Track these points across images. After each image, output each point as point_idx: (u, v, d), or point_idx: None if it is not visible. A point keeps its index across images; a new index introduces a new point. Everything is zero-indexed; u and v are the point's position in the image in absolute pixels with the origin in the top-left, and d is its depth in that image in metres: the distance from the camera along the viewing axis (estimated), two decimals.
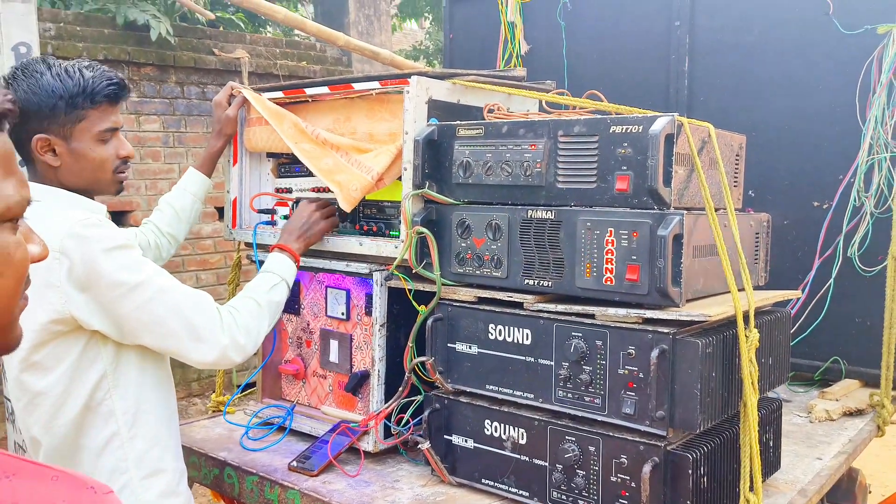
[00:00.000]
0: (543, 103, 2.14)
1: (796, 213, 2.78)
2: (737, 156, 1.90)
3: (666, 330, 1.51)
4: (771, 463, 1.89)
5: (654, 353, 1.49)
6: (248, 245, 2.30)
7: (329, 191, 2.05)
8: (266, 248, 2.10)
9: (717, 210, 1.69)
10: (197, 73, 5.80)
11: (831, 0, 2.65)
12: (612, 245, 1.57)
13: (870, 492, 2.96)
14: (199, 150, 5.81)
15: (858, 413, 2.52)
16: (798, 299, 2.62)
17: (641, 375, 1.53)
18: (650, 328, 1.53)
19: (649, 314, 1.54)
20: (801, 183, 2.77)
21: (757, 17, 2.86)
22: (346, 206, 1.95)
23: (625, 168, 1.56)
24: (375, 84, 1.99)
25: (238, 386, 2.40)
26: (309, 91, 2.16)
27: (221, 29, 6.28)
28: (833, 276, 2.59)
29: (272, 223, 2.35)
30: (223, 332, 1.60)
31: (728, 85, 2.94)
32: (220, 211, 5.76)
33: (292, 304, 2.27)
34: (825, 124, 2.72)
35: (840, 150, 2.65)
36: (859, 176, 2.57)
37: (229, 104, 2.25)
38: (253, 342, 1.67)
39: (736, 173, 1.90)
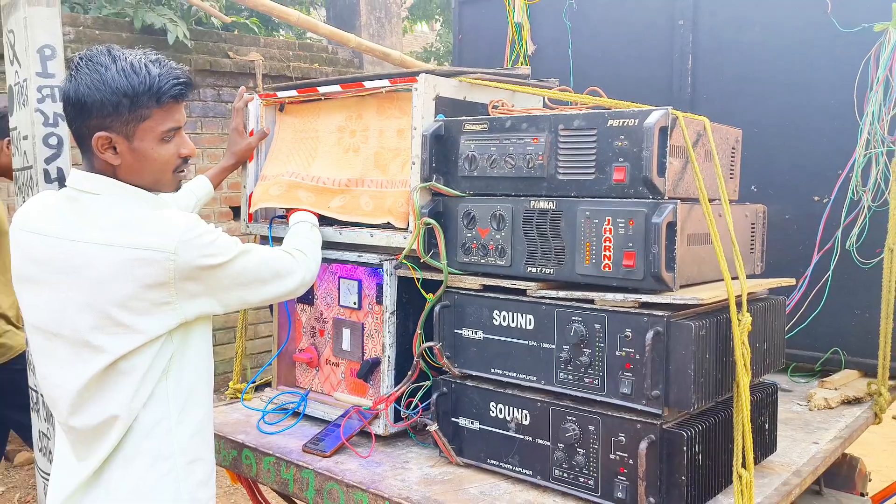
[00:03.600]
0: (546, 100, 2.22)
1: (797, 207, 2.85)
2: (733, 149, 1.97)
3: (661, 313, 1.59)
4: (767, 445, 1.96)
5: (650, 335, 1.57)
6: (264, 238, 2.40)
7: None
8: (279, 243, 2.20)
9: (711, 200, 1.77)
10: (212, 75, 5.93)
11: None
12: (610, 233, 1.65)
13: (870, 480, 3.01)
14: (215, 151, 5.93)
15: (857, 401, 2.58)
16: (798, 291, 2.69)
17: (638, 357, 1.61)
18: (646, 312, 1.60)
19: (645, 298, 1.62)
20: (802, 178, 2.84)
21: (758, 17, 2.93)
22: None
23: (622, 159, 1.64)
24: (385, 82, 2.08)
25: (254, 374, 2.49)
26: (322, 89, 2.26)
27: (236, 32, 6.40)
28: (831, 268, 2.65)
29: (285, 217, 2.45)
30: (297, 265, 1.86)
31: (730, 82, 3.01)
32: (234, 210, 5.87)
33: (306, 295, 2.36)
34: (824, 120, 2.78)
35: (839, 145, 2.72)
36: (857, 171, 2.63)
37: (245, 126, 2.37)
38: (316, 267, 1.96)
39: (732, 166, 1.97)
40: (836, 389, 2.63)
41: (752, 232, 2.02)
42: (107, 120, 1.55)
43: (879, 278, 2.54)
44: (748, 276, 2.00)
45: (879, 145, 2.59)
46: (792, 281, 2.05)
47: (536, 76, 3.57)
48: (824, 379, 2.70)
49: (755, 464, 1.89)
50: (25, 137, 2.87)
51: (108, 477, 1.59)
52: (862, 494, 2.78)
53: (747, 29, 2.95)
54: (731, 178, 1.97)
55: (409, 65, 4.07)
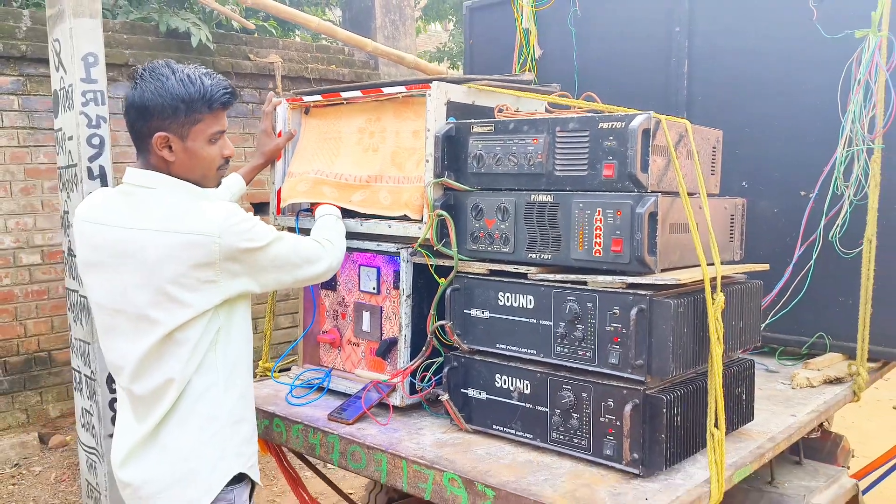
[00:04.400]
0: (547, 104, 2.44)
1: (785, 201, 3.05)
2: (714, 148, 2.19)
3: (644, 292, 1.81)
4: (744, 414, 2.18)
5: (634, 311, 1.79)
6: (291, 229, 2.64)
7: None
8: (306, 234, 2.44)
9: (693, 194, 1.99)
10: (234, 76, 6.18)
11: (815, 7, 2.92)
12: (601, 223, 1.87)
13: (853, 456, 3.22)
14: (237, 148, 6.18)
15: (838, 381, 2.78)
16: (783, 279, 2.89)
17: (624, 331, 1.83)
18: (631, 291, 1.83)
19: (631, 280, 1.84)
20: (789, 174, 3.04)
21: (750, 24, 3.13)
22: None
23: (610, 157, 1.86)
24: (402, 88, 2.31)
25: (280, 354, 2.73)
26: (344, 94, 2.49)
27: (256, 35, 6.65)
28: (814, 258, 2.85)
29: (310, 211, 2.68)
30: (325, 252, 2.09)
31: (723, 85, 3.21)
32: (255, 207, 6.12)
33: (329, 282, 2.59)
34: (811, 120, 2.98)
35: (824, 143, 2.91)
36: (839, 167, 2.83)
37: (273, 128, 2.61)
38: (341, 254, 2.19)
39: (713, 163, 2.19)
40: (818, 370, 2.84)
41: (732, 222, 2.23)
42: (165, 122, 1.80)
43: (860, 267, 2.74)
44: (728, 263, 2.22)
45: (860, 143, 2.79)
46: (766, 266, 2.25)
47: (543, 78, 3.80)
48: (808, 361, 2.91)
49: (733, 430, 2.13)
50: (70, 138, 3.12)
51: (164, 434, 1.83)
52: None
53: (739, 35, 3.16)
54: (712, 174, 2.18)
55: (423, 68, 4.29)
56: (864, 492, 3.15)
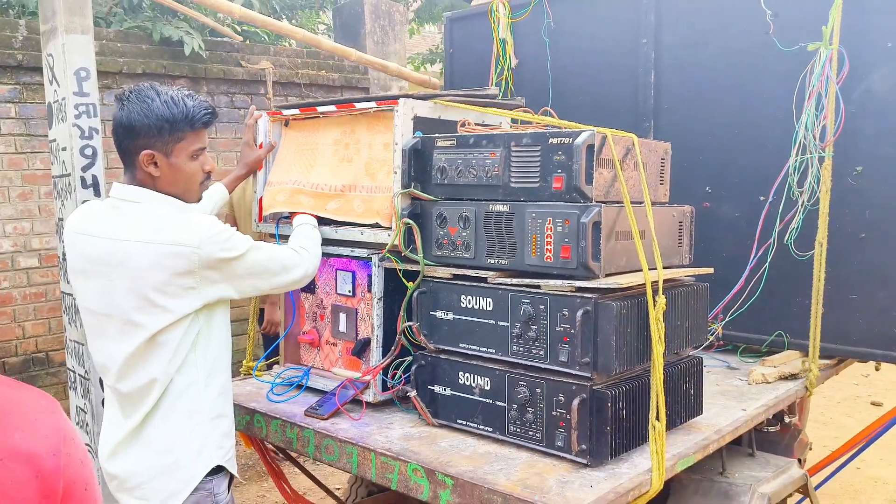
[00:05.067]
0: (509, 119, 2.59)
1: (745, 206, 3.21)
2: (662, 159, 2.34)
3: (590, 295, 1.96)
4: (692, 408, 2.33)
5: (580, 313, 1.94)
6: (272, 236, 2.79)
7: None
8: (285, 240, 2.59)
9: (639, 203, 2.14)
10: (226, 83, 6.32)
11: (772, 21, 3.07)
12: (551, 231, 2.02)
13: (810, 449, 3.37)
14: (228, 154, 6.33)
15: (793, 377, 2.93)
16: (741, 280, 3.05)
17: (572, 331, 1.98)
18: (578, 294, 1.98)
19: (579, 284, 1.99)
20: (749, 180, 3.20)
21: (712, 36, 3.29)
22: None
23: (560, 171, 2.01)
24: (373, 104, 2.46)
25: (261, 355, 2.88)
26: (320, 109, 2.64)
27: (247, 42, 6.79)
28: (769, 260, 3.01)
29: (289, 218, 2.83)
30: (300, 260, 2.25)
31: (688, 95, 3.37)
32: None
33: (309, 285, 2.74)
34: (769, 129, 3.14)
35: (781, 151, 3.06)
36: (793, 174, 2.98)
37: (255, 140, 2.75)
38: (317, 261, 2.36)
39: (662, 173, 2.34)
40: (775, 367, 2.99)
41: (681, 229, 2.38)
42: (151, 140, 1.97)
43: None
44: (677, 267, 2.37)
45: (813, 151, 2.94)
46: (710, 270, 2.40)
47: (519, 86, 3.96)
48: (765, 358, 3.06)
49: (681, 423, 2.28)
50: (64, 149, 3.27)
51: (149, 429, 1.99)
52: (800, 461, 3.14)
53: (702, 47, 3.31)
54: (661, 183, 2.33)
55: (406, 75, 4.44)
56: (820, 484, 3.30)
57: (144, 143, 1.97)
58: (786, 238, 3.02)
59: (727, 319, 3.10)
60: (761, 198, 3.15)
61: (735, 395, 2.73)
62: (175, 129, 1.98)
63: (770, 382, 2.89)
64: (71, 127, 3.19)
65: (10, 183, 5.44)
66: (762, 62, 3.14)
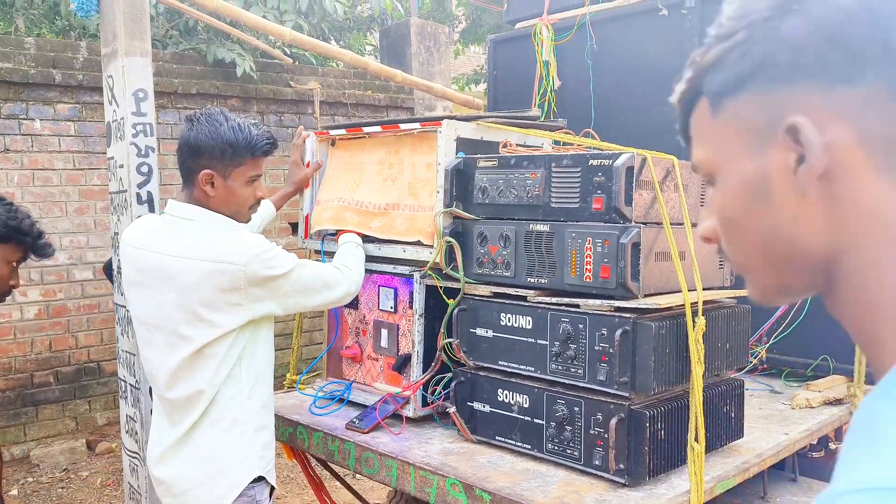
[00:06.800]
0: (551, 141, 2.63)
1: None
2: (703, 182, 2.34)
3: (629, 315, 1.97)
4: (733, 431, 2.31)
5: (618, 332, 1.96)
6: (317, 252, 2.86)
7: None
8: (331, 257, 2.66)
9: (680, 225, 2.15)
10: (275, 103, 6.50)
11: None
12: (590, 251, 2.05)
13: None
14: (275, 171, 6.48)
15: (837, 402, 2.88)
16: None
17: (611, 350, 1.99)
18: (617, 314, 1.99)
19: (618, 304, 2.01)
20: None
21: None
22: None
23: (599, 192, 2.04)
24: (417, 125, 2.53)
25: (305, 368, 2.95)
26: (366, 129, 2.72)
27: (296, 64, 6.97)
28: None
29: (335, 235, 2.91)
30: (343, 278, 2.31)
31: None
32: (292, 226, 6.40)
33: (352, 301, 2.80)
34: None
35: None
36: None
37: (302, 159, 2.82)
38: (360, 279, 2.40)
39: (702, 195, 2.34)
40: (819, 392, 2.94)
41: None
42: (213, 161, 2.07)
43: None
44: (717, 288, 2.37)
45: None
46: (745, 292, 2.39)
47: (562, 107, 3.99)
48: (810, 382, 3.01)
49: (721, 446, 2.27)
50: (122, 166, 3.41)
51: (195, 437, 2.06)
52: None
53: None
54: (701, 205, 2.34)
55: (450, 96, 4.52)
56: None
57: (206, 164, 2.07)
58: None
59: (771, 343, 3.06)
60: None
61: (778, 419, 2.70)
62: (237, 153, 2.07)
63: (814, 407, 2.85)
64: (128, 145, 3.33)
65: (68, 198, 5.66)
66: None
